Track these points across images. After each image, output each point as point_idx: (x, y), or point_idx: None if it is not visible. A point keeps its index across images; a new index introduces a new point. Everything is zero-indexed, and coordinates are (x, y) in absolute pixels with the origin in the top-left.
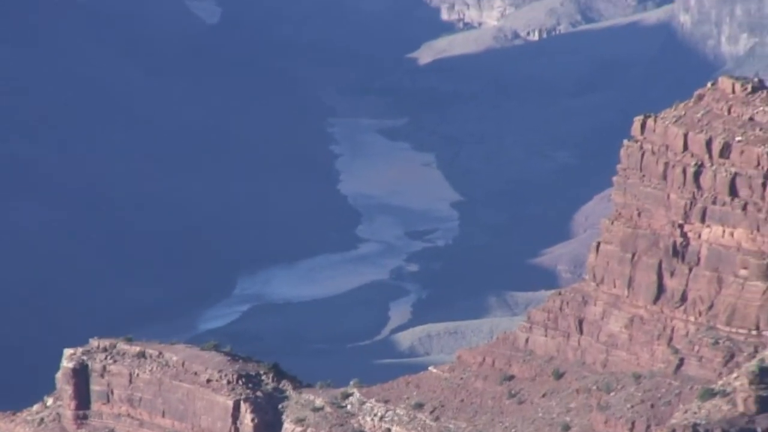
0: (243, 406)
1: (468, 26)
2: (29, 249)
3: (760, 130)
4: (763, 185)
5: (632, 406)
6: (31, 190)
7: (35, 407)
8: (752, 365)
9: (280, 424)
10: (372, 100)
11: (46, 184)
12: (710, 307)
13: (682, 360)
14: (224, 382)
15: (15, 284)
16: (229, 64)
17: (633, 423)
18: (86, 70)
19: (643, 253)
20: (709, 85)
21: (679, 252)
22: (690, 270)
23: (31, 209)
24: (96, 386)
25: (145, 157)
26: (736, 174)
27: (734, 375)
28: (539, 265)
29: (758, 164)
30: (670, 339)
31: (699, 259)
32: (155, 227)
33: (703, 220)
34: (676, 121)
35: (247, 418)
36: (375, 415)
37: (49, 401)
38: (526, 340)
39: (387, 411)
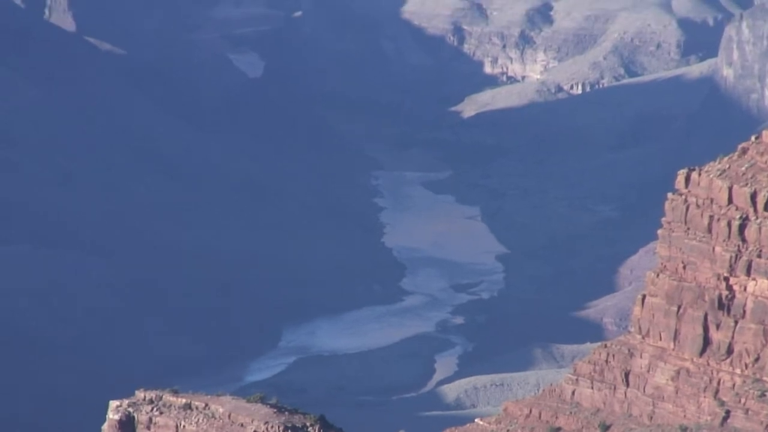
0: None
1: (511, 80)
2: (70, 300)
3: None
4: None
5: None
6: (71, 240)
7: None
8: None
9: None
10: (416, 154)
11: (86, 237)
12: (756, 359)
13: (728, 413)
14: None
15: (59, 337)
16: (272, 118)
17: None
18: (128, 123)
19: (689, 305)
20: (753, 138)
21: (724, 305)
22: (736, 323)
23: (71, 261)
24: None
25: (188, 210)
26: None
27: None
28: (585, 317)
29: None
30: (717, 392)
31: (744, 312)
32: (200, 279)
33: (748, 273)
34: (720, 174)
35: None
36: None
37: None
38: (573, 393)
39: None
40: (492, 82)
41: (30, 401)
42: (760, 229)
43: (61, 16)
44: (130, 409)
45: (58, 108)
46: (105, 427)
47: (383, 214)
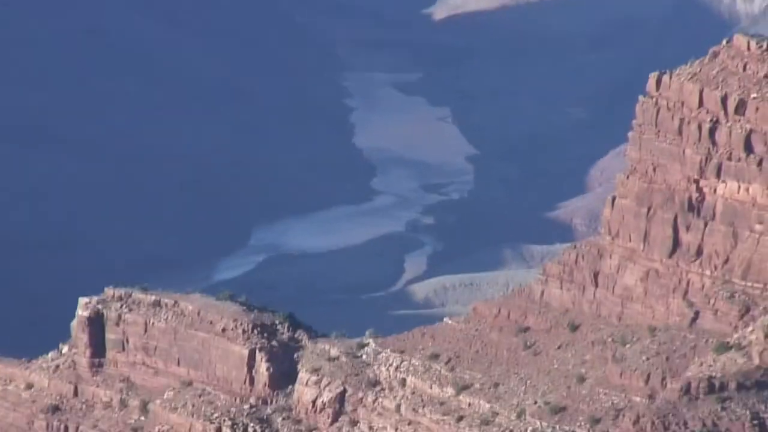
0: (258, 355)
1: None
2: (43, 198)
3: None
4: None
5: (647, 359)
6: (44, 139)
7: (50, 355)
8: (767, 319)
9: (296, 373)
10: (387, 55)
11: (59, 133)
12: (726, 261)
13: (697, 313)
14: (240, 331)
15: (31, 233)
16: (244, 17)
17: (648, 375)
18: (100, 22)
19: (659, 207)
20: (724, 42)
21: (694, 207)
22: (705, 225)
23: (48, 159)
24: (111, 335)
25: (158, 109)
26: (751, 130)
27: (750, 329)
28: (555, 218)
29: None
30: (686, 293)
31: (714, 214)
32: (170, 178)
33: (718, 175)
34: (691, 77)
35: (262, 367)
36: (390, 365)
37: (65, 349)
38: (542, 293)
39: (402, 361)
40: None
41: (1, 296)
42: (730, 132)
43: None
44: (100, 306)
45: (34, 5)
46: (74, 323)
47: (354, 114)
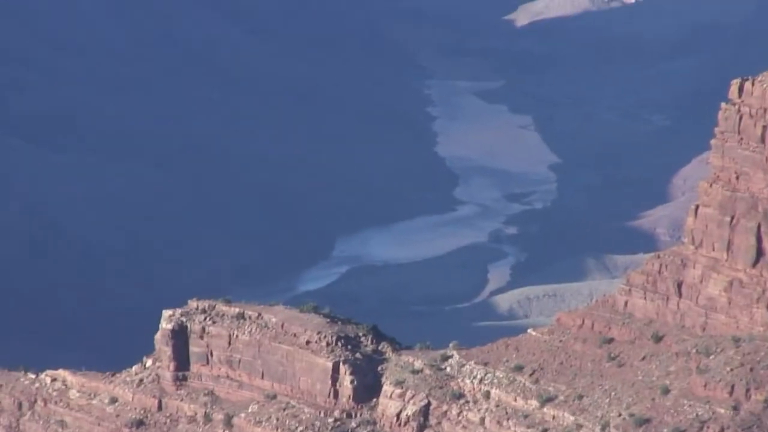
0: (342, 368)
1: None
2: (128, 209)
3: None
4: None
5: (731, 370)
6: (130, 150)
7: (134, 368)
8: None
9: (380, 386)
10: (469, 62)
11: (140, 142)
12: None
13: None
14: (323, 343)
15: (113, 245)
16: (326, 26)
17: (732, 386)
18: (180, 29)
19: (742, 216)
20: None
21: None
22: None
23: (130, 169)
24: (195, 348)
25: (239, 117)
26: None
27: None
28: (638, 227)
29: None
30: None
31: None
32: (252, 188)
33: None
34: None
35: (346, 380)
36: (474, 377)
37: (148, 362)
38: (626, 303)
39: (486, 373)
40: None
41: (86, 310)
42: None
43: None
44: (183, 319)
45: (112, 14)
46: (158, 336)
47: (436, 123)
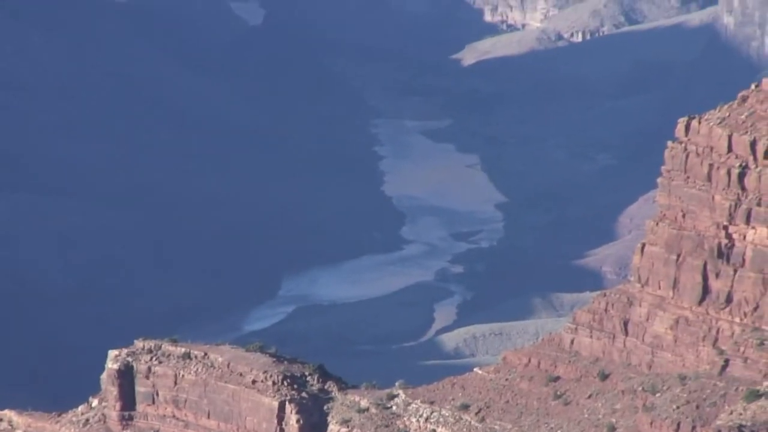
0: (288, 407)
1: (511, 28)
2: (74, 248)
3: None
4: None
5: (678, 407)
6: (76, 188)
7: (80, 408)
8: None
9: (326, 425)
10: (416, 102)
11: (90, 183)
12: (755, 308)
13: (727, 361)
14: (269, 383)
15: (59, 284)
16: (272, 65)
17: (678, 424)
18: (130, 70)
19: (688, 254)
20: (753, 86)
21: (724, 253)
22: (735, 271)
23: (75, 208)
24: (141, 387)
25: (189, 157)
26: None
27: None
28: (584, 266)
29: None
30: (716, 340)
31: (744, 260)
32: (200, 227)
33: (748, 221)
34: (720, 122)
35: (292, 419)
36: (420, 416)
37: (95, 402)
38: (572, 342)
39: (432, 412)
40: (492, 30)
41: (32, 348)
42: (759, 177)
43: None
44: (129, 359)
45: (62, 54)
46: (104, 376)
47: (383, 162)
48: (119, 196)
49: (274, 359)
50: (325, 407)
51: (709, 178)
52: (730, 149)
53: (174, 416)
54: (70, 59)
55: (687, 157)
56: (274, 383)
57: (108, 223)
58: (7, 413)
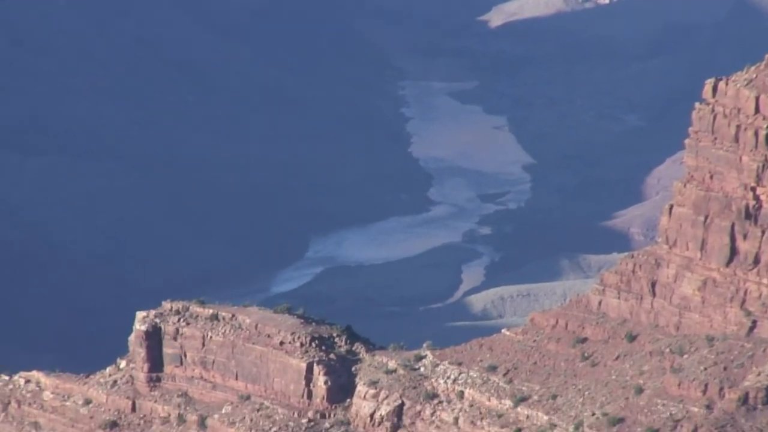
0: (316, 369)
1: None
2: (103, 212)
3: None
4: None
5: (705, 369)
6: (104, 153)
7: (108, 370)
8: None
9: (353, 386)
10: (443, 63)
11: (115, 145)
12: None
13: (755, 322)
14: (297, 344)
15: (88, 247)
16: (298, 28)
17: (706, 385)
18: (154, 32)
19: (716, 215)
20: None
21: (751, 215)
22: (763, 232)
23: (101, 171)
24: (169, 349)
25: (216, 119)
26: None
27: None
28: (612, 227)
29: None
30: (743, 301)
31: None
32: (226, 189)
33: None
34: (747, 84)
35: (320, 380)
36: (448, 377)
37: (122, 364)
38: (599, 303)
39: (460, 373)
40: None
41: (60, 311)
42: None
43: None
44: (157, 320)
45: (87, 17)
46: (132, 337)
47: (410, 124)
48: (145, 159)
49: (302, 321)
50: (353, 368)
51: (736, 140)
52: (757, 110)
53: (202, 378)
54: (95, 23)
55: (714, 118)
56: (301, 344)
57: (134, 185)
58: (35, 374)
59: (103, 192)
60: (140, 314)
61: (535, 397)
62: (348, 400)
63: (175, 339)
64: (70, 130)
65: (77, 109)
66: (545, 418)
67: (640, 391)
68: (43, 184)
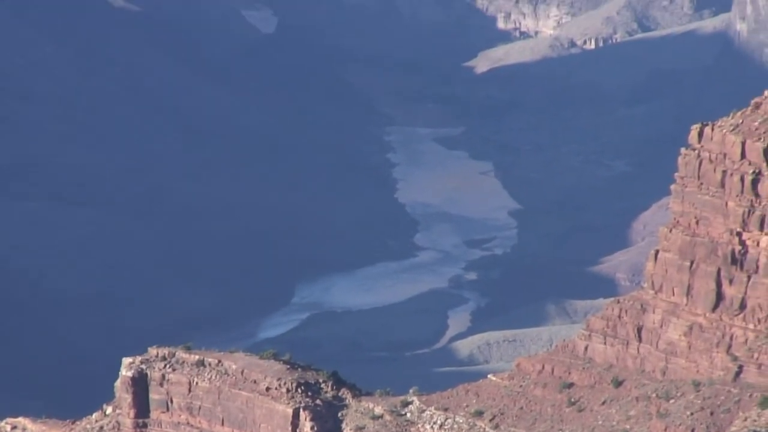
0: (303, 414)
1: (524, 35)
2: (88, 256)
3: None
4: None
5: (692, 414)
6: (90, 196)
7: (94, 416)
8: None
9: None
10: (429, 109)
11: (104, 191)
12: None
13: (741, 367)
14: (284, 390)
15: (76, 293)
16: (286, 73)
17: (692, 430)
18: (143, 78)
19: (702, 261)
20: (765, 93)
21: (737, 260)
22: (749, 278)
23: (88, 216)
24: (155, 395)
25: (203, 165)
26: None
27: None
28: (598, 273)
29: None
30: (730, 347)
31: (758, 267)
32: (213, 235)
33: (761, 227)
34: (733, 129)
35: (306, 426)
36: (434, 423)
37: (108, 410)
38: (585, 348)
39: (446, 419)
40: (505, 37)
41: (47, 357)
42: None
43: None
44: (143, 366)
45: (75, 63)
46: (118, 383)
47: (396, 169)
48: (132, 204)
49: (288, 366)
50: (340, 414)
51: (722, 185)
52: (743, 156)
53: (188, 423)
54: (82, 68)
55: (700, 163)
56: (288, 390)
57: (121, 230)
58: (22, 421)
59: (89, 237)
60: (126, 360)
61: None
62: None
63: (161, 385)
64: (55, 175)
65: (64, 155)
66: None
67: None
68: (29, 229)
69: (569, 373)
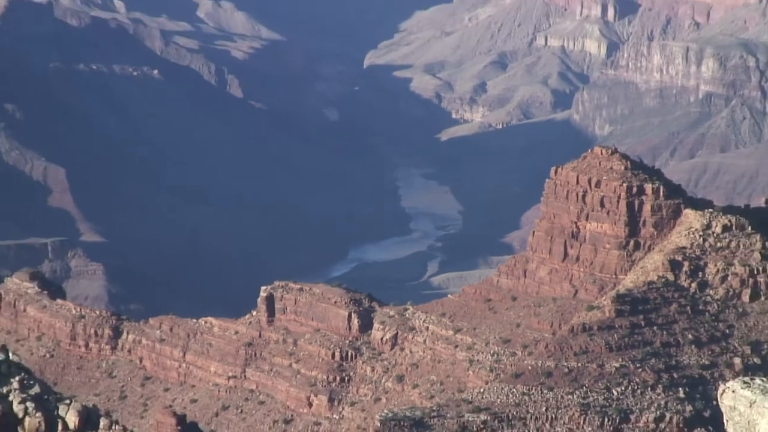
0: (353, 316)
1: (465, 121)
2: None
3: None
4: None
5: (552, 314)
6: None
7: (246, 316)
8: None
9: (372, 323)
10: (419, 160)
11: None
12: (590, 263)
13: (576, 291)
14: (342, 302)
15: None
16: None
17: (551, 323)
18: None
19: (557, 236)
20: (587, 152)
21: (575, 235)
22: (580, 245)
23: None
24: (277, 305)
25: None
26: (602, 197)
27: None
28: (507, 243)
29: None
30: (570, 279)
31: (585, 238)
32: (303, 217)
33: (587, 219)
34: (572, 169)
35: (354, 321)
36: (420, 319)
37: (253, 312)
38: (497, 281)
39: (427, 317)
40: (455, 123)
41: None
42: (593, 197)
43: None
44: (271, 290)
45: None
46: (259, 299)
47: (400, 190)
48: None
49: (345, 290)
50: (372, 315)
51: (567, 198)
52: (577, 182)
53: (295, 320)
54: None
55: (555, 186)
56: (345, 303)
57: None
58: (209, 319)
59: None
60: (263, 287)
61: (465, 329)
62: (370, 331)
63: (280, 300)
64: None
65: None
66: (470, 340)
67: (518, 326)
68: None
69: (489, 294)
